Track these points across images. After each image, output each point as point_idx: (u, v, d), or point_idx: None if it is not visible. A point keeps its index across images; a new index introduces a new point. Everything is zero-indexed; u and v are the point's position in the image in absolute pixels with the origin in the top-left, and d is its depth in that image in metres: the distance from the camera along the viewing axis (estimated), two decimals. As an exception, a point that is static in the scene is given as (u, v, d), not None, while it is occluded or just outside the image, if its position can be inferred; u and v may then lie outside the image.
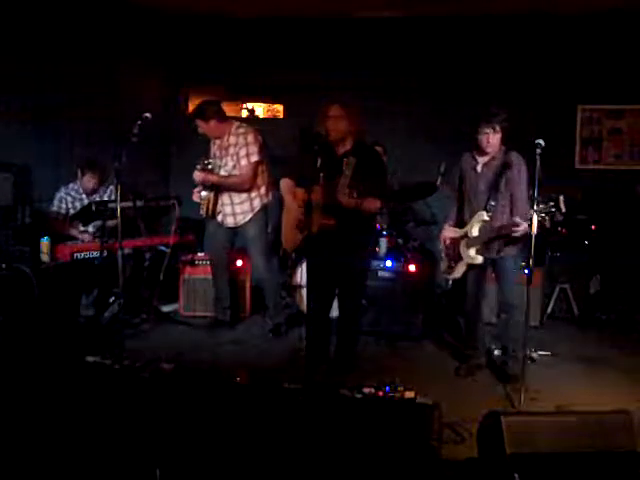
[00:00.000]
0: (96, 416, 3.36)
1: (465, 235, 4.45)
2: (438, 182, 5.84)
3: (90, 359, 3.89)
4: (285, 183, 4.53)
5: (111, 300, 5.58)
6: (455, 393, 4.16)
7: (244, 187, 5.24)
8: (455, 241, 4.54)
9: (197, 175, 5.24)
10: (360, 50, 7.07)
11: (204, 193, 5.33)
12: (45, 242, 5.08)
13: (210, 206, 5.33)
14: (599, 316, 5.97)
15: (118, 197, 4.32)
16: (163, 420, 3.31)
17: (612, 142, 6.92)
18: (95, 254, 5.22)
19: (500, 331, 4.72)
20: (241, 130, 5.28)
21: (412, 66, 7.05)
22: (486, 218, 4.30)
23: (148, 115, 4.36)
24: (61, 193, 5.78)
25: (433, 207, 6.43)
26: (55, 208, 5.77)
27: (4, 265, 4.85)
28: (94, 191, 5.78)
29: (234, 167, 5.23)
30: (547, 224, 3.91)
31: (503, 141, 4.33)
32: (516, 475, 2.78)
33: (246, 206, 5.29)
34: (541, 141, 3.90)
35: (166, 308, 6.05)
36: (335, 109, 4.24)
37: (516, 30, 6.73)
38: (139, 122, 4.34)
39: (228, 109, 5.83)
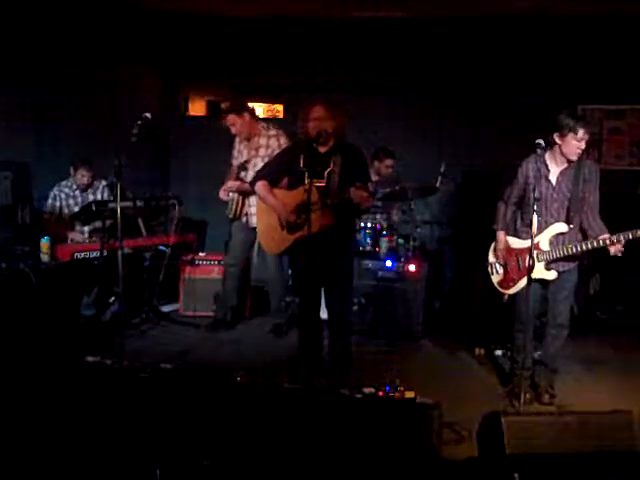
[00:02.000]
0: (96, 416, 3.36)
1: (536, 247, 3.96)
2: (438, 182, 5.84)
3: (90, 359, 3.89)
4: (262, 186, 4.40)
5: (111, 300, 5.58)
6: (455, 393, 4.15)
7: None
8: (519, 252, 4.17)
9: (232, 185, 5.26)
10: (360, 50, 7.07)
11: (232, 194, 5.34)
12: (45, 242, 5.08)
13: (238, 208, 5.34)
14: (599, 316, 5.96)
15: (118, 197, 4.32)
16: (163, 420, 3.31)
17: (612, 142, 6.91)
18: (95, 254, 5.22)
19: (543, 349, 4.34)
20: (272, 132, 5.29)
21: (412, 66, 7.04)
22: (564, 230, 3.99)
23: (148, 115, 4.36)
24: (54, 192, 5.78)
25: (433, 207, 6.43)
26: (49, 208, 5.76)
27: (4, 265, 4.85)
28: (88, 186, 5.76)
29: None
30: None
31: None
32: (516, 475, 2.78)
33: (257, 205, 5.27)
34: (541, 141, 3.87)
35: (166, 308, 6.05)
36: (318, 110, 4.20)
37: (516, 31, 6.73)
38: (139, 122, 4.34)
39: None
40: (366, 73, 7.10)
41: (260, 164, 5.22)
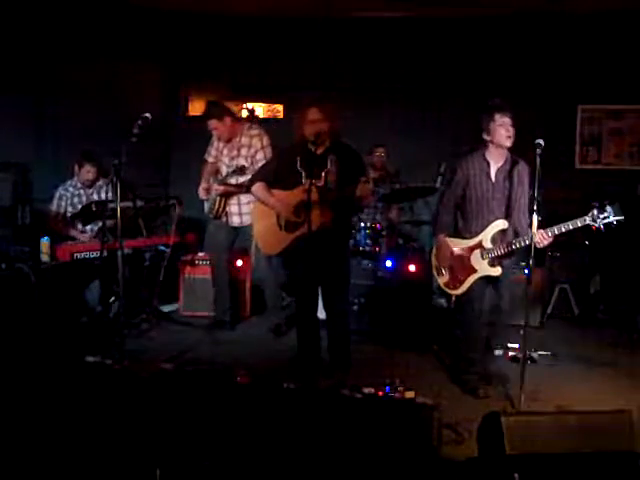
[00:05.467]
0: (96, 416, 3.36)
1: (479, 245, 4.17)
2: (437, 183, 5.84)
3: (90, 359, 3.89)
4: (260, 187, 4.47)
5: (111, 300, 5.57)
6: (455, 393, 4.17)
7: None
8: (464, 252, 4.24)
9: (217, 188, 5.25)
10: (360, 50, 7.08)
11: (213, 194, 5.32)
12: (45, 242, 5.08)
13: (220, 206, 5.33)
14: (599, 316, 5.96)
15: (118, 197, 4.32)
16: (163, 420, 3.31)
17: (612, 142, 6.92)
18: (95, 254, 5.22)
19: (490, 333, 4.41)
20: (254, 132, 5.29)
21: (412, 66, 7.05)
22: (505, 227, 4.10)
23: (148, 115, 4.36)
24: (59, 191, 5.75)
25: (432, 207, 6.41)
26: (54, 207, 5.74)
27: (4, 265, 4.85)
28: (93, 183, 5.73)
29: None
30: (602, 229, 3.86)
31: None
32: (516, 475, 2.78)
33: (253, 206, 5.27)
34: (541, 141, 3.89)
35: (166, 308, 6.05)
36: (314, 112, 4.25)
37: (516, 30, 6.74)
38: (139, 122, 4.34)
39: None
40: (366, 73, 7.11)
41: (243, 163, 5.21)
